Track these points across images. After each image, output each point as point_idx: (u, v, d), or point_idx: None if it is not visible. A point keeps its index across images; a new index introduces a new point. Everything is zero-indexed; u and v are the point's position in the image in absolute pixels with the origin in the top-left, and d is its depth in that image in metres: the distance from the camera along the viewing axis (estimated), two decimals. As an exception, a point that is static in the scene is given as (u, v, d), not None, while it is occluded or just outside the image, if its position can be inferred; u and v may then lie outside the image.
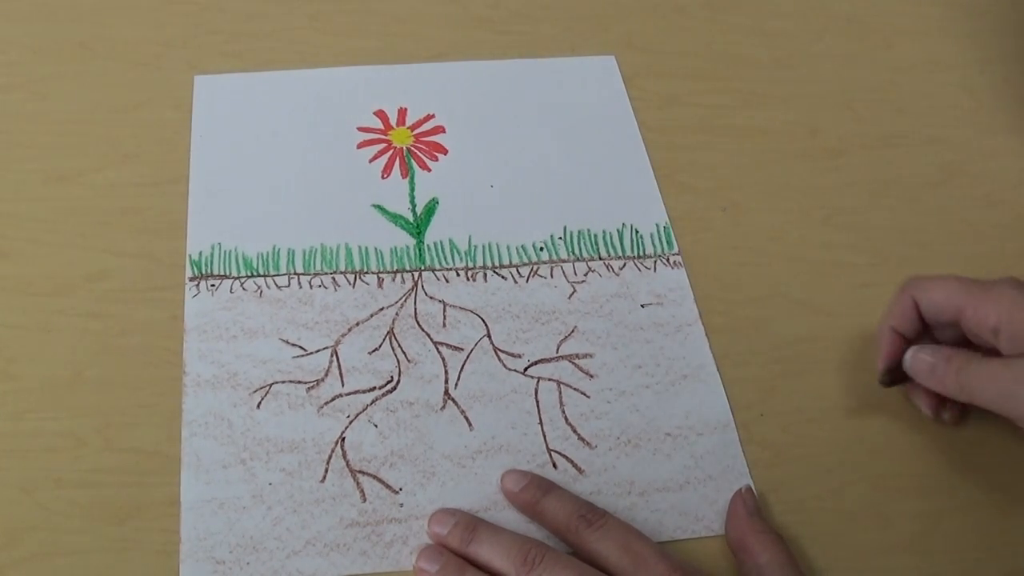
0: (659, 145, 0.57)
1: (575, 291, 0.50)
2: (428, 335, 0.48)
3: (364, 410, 0.45)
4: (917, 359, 0.45)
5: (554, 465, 0.45)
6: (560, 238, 0.52)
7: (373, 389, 0.46)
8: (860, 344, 0.50)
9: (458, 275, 0.50)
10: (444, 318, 0.49)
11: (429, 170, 0.55)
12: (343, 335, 0.48)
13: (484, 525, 0.41)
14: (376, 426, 0.45)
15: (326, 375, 0.46)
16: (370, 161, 0.55)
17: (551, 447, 0.45)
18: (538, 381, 0.47)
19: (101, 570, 0.40)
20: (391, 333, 0.48)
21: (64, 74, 0.57)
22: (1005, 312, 0.42)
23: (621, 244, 0.52)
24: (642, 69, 0.61)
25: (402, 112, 0.57)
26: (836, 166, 0.57)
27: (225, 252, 0.50)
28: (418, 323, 0.48)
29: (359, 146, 0.55)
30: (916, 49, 0.65)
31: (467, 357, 0.48)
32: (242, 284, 0.49)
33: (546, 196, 0.54)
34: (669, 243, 0.53)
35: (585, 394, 0.47)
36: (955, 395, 0.43)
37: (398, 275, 0.50)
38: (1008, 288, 0.43)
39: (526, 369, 0.47)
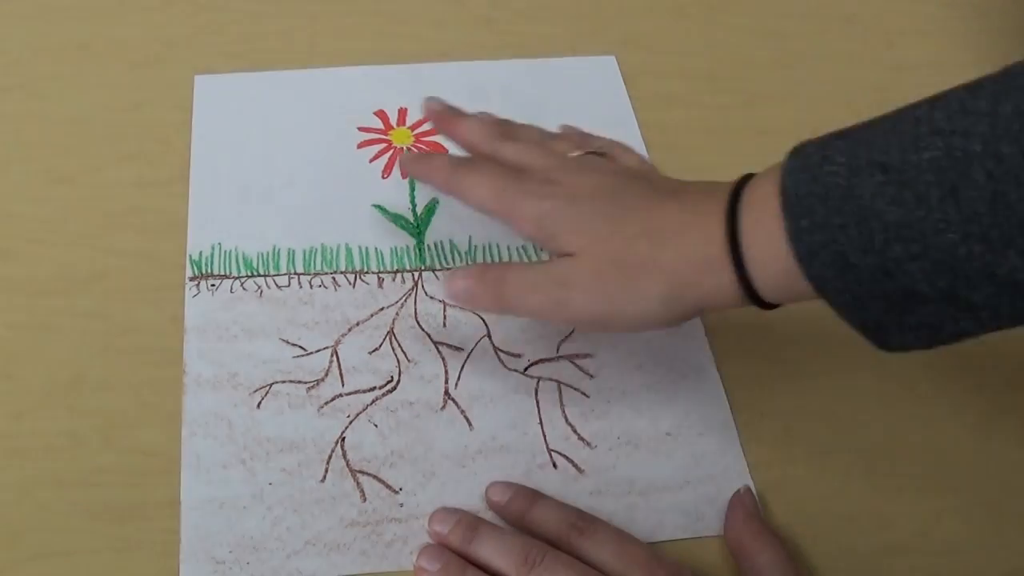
0: (659, 145, 0.57)
1: (575, 291, 0.50)
2: (428, 335, 0.48)
3: (364, 410, 0.45)
4: (451, 286, 0.42)
5: (554, 465, 0.45)
6: (560, 238, 0.52)
7: (373, 389, 0.46)
8: (860, 344, 0.49)
9: (458, 275, 0.50)
10: (444, 318, 0.49)
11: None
12: (343, 335, 0.48)
13: (485, 525, 0.41)
14: (376, 426, 0.45)
15: (326, 375, 0.46)
16: (370, 161, 0.55)
17: (551, 447, 0.45)
18: (538, 381, 0.47)
19: (101, 570, 0.40)
20: (391, 333, 0.48)
21: (64, 74, 0.57)
22: (533, 218, 0.41)
23: (621, 244, 0.52)
24: (642, 69, 0.61)
25: (402, 112, 0.57)
26: (836, 166, 0.57)
27: (225, 252, 0.50)
28: (418, 323, 0.48)
29: (359, 146, 0.55)
30: (916, 49, 0.65)
31: (467, 357, 0.48)
32: (242, 284, 0.49)
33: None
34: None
35: (585, 394, 0.47)
36: (495, 310, 0.42)
37: (398, 275, 0.50)
38: (544, 199, 0.41)
39: (526, 369, 0.47)
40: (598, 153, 0.44)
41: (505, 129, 0.47)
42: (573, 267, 0.40)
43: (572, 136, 0.47)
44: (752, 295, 0.38)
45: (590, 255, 0.39)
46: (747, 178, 0.38)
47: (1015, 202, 0.31)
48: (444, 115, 0.48)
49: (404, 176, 0.52)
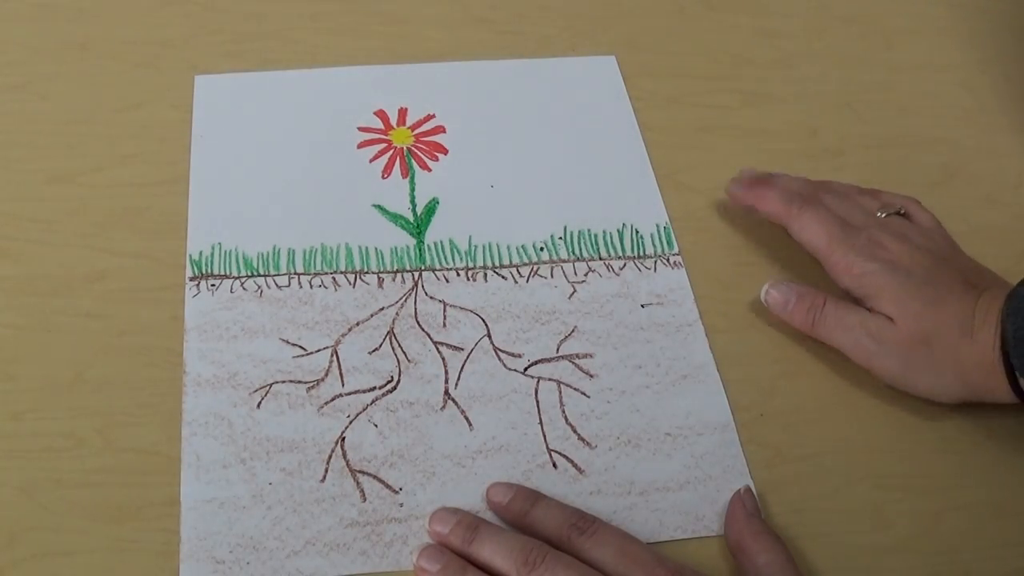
0: (659, 145, 0.57)
1: (575, 291, 0.50)
2: (428, 335, 0.48)
3: (364, 410, 0.45)
4: (769, 295, 0.49)
5: (554, 465, 0.45)
6: (560, 238, 0.52)
7: (373, 389, 0.46)
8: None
9: (458, 275, 0.50)
10: (444, 318, 0.49)
11: (429, 170, 0.55)
12: (343, 335, 0.48)
13: (485, 525, 0.41)
14: (376, 426, 0.45)
15: (326, 375, 0.46)
16: (370, 161, 0.55)
17: (551, 447, 0.45)
18: (538, 381, 0.47)
19: (101, 570, 0.40)
20: (391, 333, 0.48)
21: (64, 74, 0.57)
22: (860, 273, 0.47)
23: (621, 244, 0.52)
24: (642, 69, 0.61)
25: (402, 112, 0.57)
26: (836, 166, 0.57)
27: (225, 252, 0.50)
28: (418, 323, 0.48)
29: (359, 146, 0.55)
30: (916, 49, 0.65)
31: (467, 357, 0.48)
32: (242, 284, 0.49)
33: (546, 196, 0.54)
34: (669, 243, 0.53)
35: (585, 394, 0.47)
36: (806, 331, 0.48)
37: (398, 275, 0.50)
38: (872, 262, 0.47)
39: (526, 369, 0.47)
40: (900, 212, 0.50)
41: (817, 184, 0.52)
42: (889, 329, 0.45)
43: (876, 194, 0.52)
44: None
45: (906, 326, 0.45)
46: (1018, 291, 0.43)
47: None
48: (752, 182, 0.52)
49: (737, 201, 0.53)
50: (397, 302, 0.49)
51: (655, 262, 0.52)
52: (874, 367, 0.46)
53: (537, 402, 0.46)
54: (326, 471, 0.43)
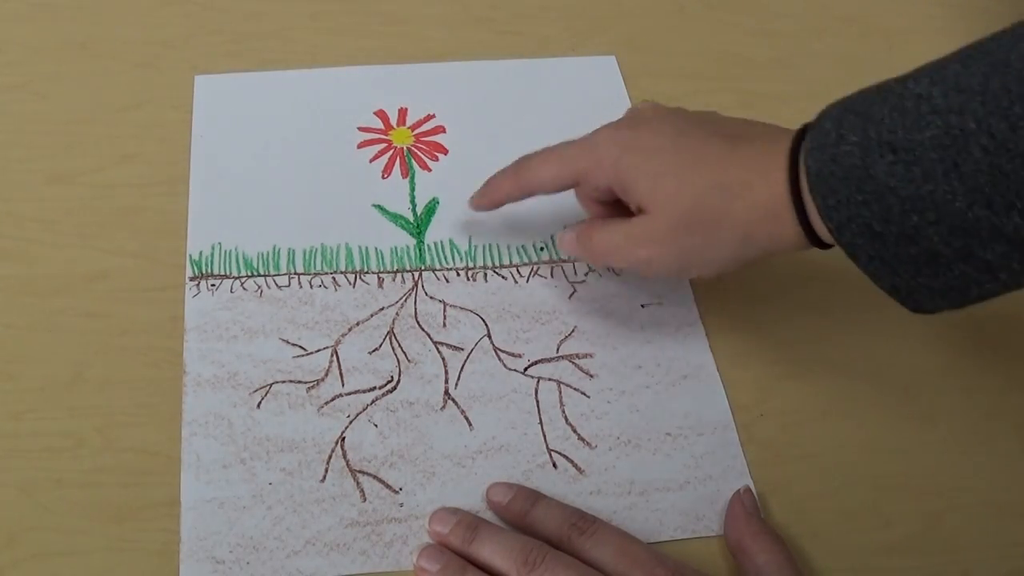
0: (659, 145, 0.57)
1: (575, 291, 0.50)
2: (428, 335, 0.48)
3: (364, 410, 0.45)
4: (560, 239, 0.47)
5: (554, 465, 0.45)
6: (560, 238, 0.52)
7: (373, 389, 0.46)
8: (860, 344, 0.50)
9: (458, 275, 0.50)
10: (444, 318, 0.49)
11: (429, 170, 0.55)
12: (343, 335, 0.48)
13: (485, 525, 0.41)
14: (376, 426, 0.45)
15: (326, 375, 0.46)
16: (370, 161, 0.55)
17: (551, 447, 0.45)
18: (538, 381, 0.47)
19: (101, 570, 0.40)
20: (391, 333, 0.48)
21: (64, 74, 0.57)
22: (610, 172, 0.44)
23: (621, 244, 0.52)
24: (642, 69, 0.61)
25: (402, 112, 0.57)
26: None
27: (225, 252, 0.50)
28: (418, 323, 0.48)
29: (359, 146, 0.55)
30: (916, 49, 0.65)
31: (467, 357, 0.48)
32: (242, 284, 0.49)
33: (546, 196, 0.54)
34: (669, 243, 0.52)
35: (585, 394, 0.47)
36: (593, 262, 0.47)
37: (398, 275, 0.50)
38: (606, 146, 0.44)
39: (526, 369, 0.47)
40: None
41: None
42: (651, 226, 0.43)
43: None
44: (814, 240, 0.40)
45: (665, 213, 0.42)
46: (803, 133, 0.40)
47: (1011, 172, 0.34)
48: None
49: None
50: (397, 302, 0.49)
51: (655, 262, 0.52)
52: (656, 272, 0.44)
53: (537, 402, 0.46)
54: (326, 471, 0.43)
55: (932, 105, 0.35)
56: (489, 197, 0.48)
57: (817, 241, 0.40)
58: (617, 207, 0.46)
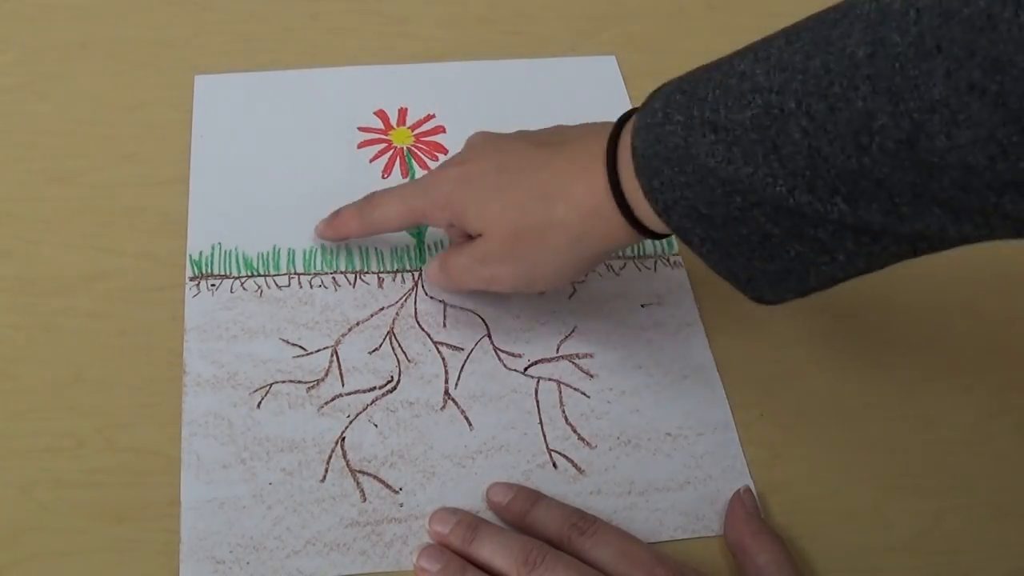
0: (659, 145, 0.57)
1: (575, 291, 0.50)
2: (428, 335, 0.48)
3: (364, 410, 0.45)
4: (426, 271, 0.48)
5: (554, 465, 0.45)
6: (560, 238, 0.52)
7: (373, 389, 0.46)
8: (860, 344, 0.50)
9: (458, 275, 0.50)
10: (444, 318, 0.49)
11: (429, 170, 0.55)
12: (343, 335, 0.48)
13: (486, 525, 0.41)
14: (376, 426, 0.45)
15: (326, 375, 0.46)
16: (370, 161, 0.55)
17: (551, 447, 0.45)
18: (538, 381, 0.47)
19: (101, 570, 0.40)
20: (391, 333, 0.48)
21: (64, 74, 0.57)
22: (447, 211, 0.44)
23: (621, 244, 0.52)
24: (642, 69, 0.61)
25: (402, 112, 0.57)
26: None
27: (225, 252, 0.50)
28: (418, 323, 0.48)
29: (359, 146, 0.55)
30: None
31: (467, 357, 0.48)
32: (242, 284, 0.49)
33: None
34: (669, 243, 0.52)
35: (585, 394, 0.47)
36: (453, 288, 0.47)
37: (398, 275, 0.50)
38: (439, 185, 0.45)
39: (526, 369, 0.47)
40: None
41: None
42: (485, 245, 0.43)
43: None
44: (644, 231, 0.40)
45: (496, 232, 0.43)
46: (623, 121, 0.40)
47: (830, 155, 0.32)
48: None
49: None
50: (397, 302, 0.49)
51: (655, 262, 0.52)
52: (506, 288, 0.45)
53: (537, 402, 0.46)
54: (326, 471, 0.43)
55: (754, 83, 0.34)
56: (335, 230, 0.49)
57: (649, 232, 0.40)
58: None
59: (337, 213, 0.49)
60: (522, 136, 0.45)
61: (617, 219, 0.40)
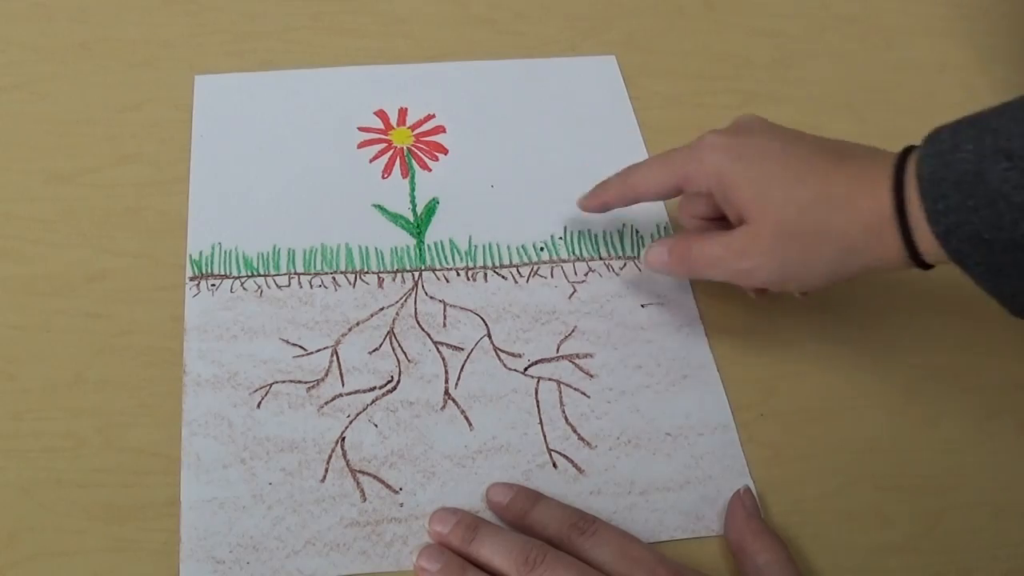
0: (659, 145, 0.57)
1: (575, 291, 0.50)
2: (428, 335, 0.48)
3: (364, 410, 0.45)
4: (648, 257, 0.47)
5: (554, 465, 0.45)
6: (560, 238, 0.52)
7: (373, 389, 0.46)
8: (860, 344, 0.50)
9: (458, 275, 0.50)
10: (444, 318, 0.49)
11: (429, 170, 0.55)
12: (343, 335, 0.48)
13: (485, 525, 0.41)
14: (376, 426, 0.45)
15: (326, 375, 0.46)
16: (370, 161, 0.55)
17: (551, 447, 0.45)
18: (538, 381, 0.47)
19: (100, 570, 0.40)
20: (391, 333, 0.48)
21: (64, 74, 0.57)
22: (713, 178, 0.44)
23: (621, 244, 0.52)
24: (642, 69, 0.61)
25: (402, 112, 0.57)
26: (836, 166, 0.57)
27: (225, 252, 0.50)
28: (418, 323, 0.48)
29: (359, 146, 0.55)
30: (916, 49, 0.65)
31: (467, 357, 0.48)
32: (242, 284, 0.49)
33: (546, 196, 0.54)
34: (669, 243, 0.52)
35: (585, 394, 0.47)
36: (689, 277, 0.48)
37: (398, 275, 0.50)
38: (711, 151, 0.44)
39: (526, 369, 0.47)
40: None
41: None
42: (753, 238, 0.43)
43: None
44: (916, 259, 0.40)
45: (767, 223, 0.42)
46: (908, 151, 0.41)
47: None
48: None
49: None
50: (397, 302, 0.49)
51: (655, 262, 0.52)
52: (756, 283, 0.45)
53: (537, 402, 0.46)
54: (326, 471, 0.43)
55: None
56: (597, 198, 0.49)
57: (918, 260, 0.40)
58: (713, 225, 0.46)
59: (595, 186, 0.49)
60: (805, 136, 0.45)
61: (894, 240, 0.40)
